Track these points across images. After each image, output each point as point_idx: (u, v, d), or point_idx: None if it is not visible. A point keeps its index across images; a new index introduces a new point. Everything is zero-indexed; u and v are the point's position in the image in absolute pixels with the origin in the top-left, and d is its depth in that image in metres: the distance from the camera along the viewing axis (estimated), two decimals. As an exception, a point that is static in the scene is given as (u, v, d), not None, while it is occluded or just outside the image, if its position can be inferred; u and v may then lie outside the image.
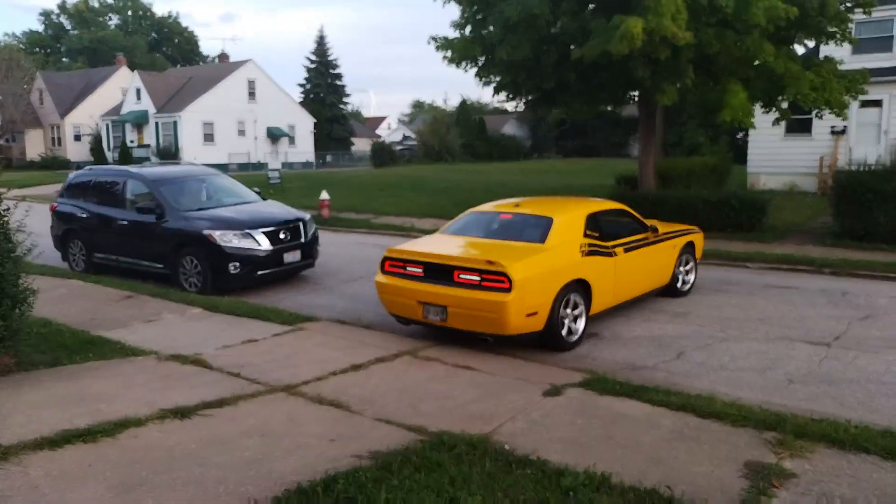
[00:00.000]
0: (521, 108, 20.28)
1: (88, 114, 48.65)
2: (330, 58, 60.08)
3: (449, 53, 15.11)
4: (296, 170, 43.79)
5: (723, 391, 5.41)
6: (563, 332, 6.59)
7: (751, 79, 13.67)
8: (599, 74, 14.24)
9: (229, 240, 9.11)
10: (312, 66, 59.57)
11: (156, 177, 10.38)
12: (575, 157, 49.99)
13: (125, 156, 39.47)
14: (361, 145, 62.05)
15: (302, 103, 54.94)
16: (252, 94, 47.16)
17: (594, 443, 4.26)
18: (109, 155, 44.11)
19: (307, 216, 10.42)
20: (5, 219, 5.46)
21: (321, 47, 59.87)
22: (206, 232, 9.16)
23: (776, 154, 21.50)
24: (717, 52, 12.72)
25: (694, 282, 9.13)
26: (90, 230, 10.63)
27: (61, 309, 7.65)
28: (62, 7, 75.97)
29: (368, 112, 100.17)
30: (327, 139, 56.47)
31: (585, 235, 7.02)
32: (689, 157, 23.51)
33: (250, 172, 36.98)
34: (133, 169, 11.03)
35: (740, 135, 32.65)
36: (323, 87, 59.04)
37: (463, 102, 60.16)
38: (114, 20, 78.71)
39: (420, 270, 6.67)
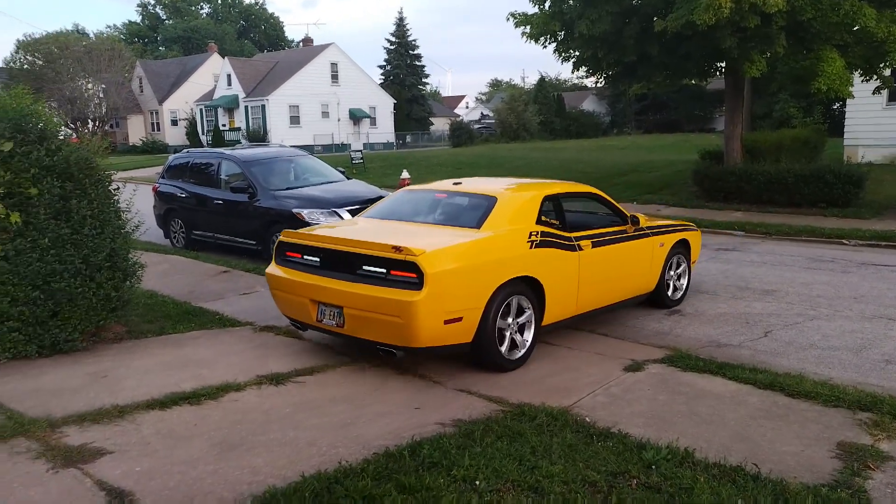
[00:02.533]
0: (601, 83, 19.83)
1: (184, 99, 51.09)
2: (409, 38, 60.42)
3: (528, 29, 14.95)
4: (377, 150, 44.55)
5: (813, 371, 5.22)
6: (503, 348, 5.11)
7: (848, 45, 12.81)
8: (683, 46, 13.73)
9: (316, 218, 9.44)
10: (392, 47, 60.12)
11: (247, 158, 10.87)
12: (656, 132, 48.33)
13: (218, 139, 41.36)
14: (440, 125, 62.28)
15: (382, 85, 55.63)
16: (335, 77, 48.13)
17: (676, 418, 4.23)
18: (203, 138, 46.28)
19: (389, 194, 10.66)
20: (115, 198, 5.90)
21: (400, 28, 60.28)
22: (294, 210, 9.54)
23: (877, 125, 20.10)
24: (812, 18, 11.99)
25: (687, 289, 7.43)
26: (189, 209, 11.28)
27: (165, 282, 8.20)
28: (157, -2, 79.77)
29: (446, 92, 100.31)
30: (407, 119, 57.02)
31: (540, 222, 5.54)
32: (779, 130, 22.28)
33: (333, 154, 37.95)
34: (226, 151, 11.59)
35: (836, 105, 30.65)
36: (402, 68, 59.53)
37: (541, 79, 59.25)
38: (205, 9, 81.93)
39: (317, 260, 5.25)
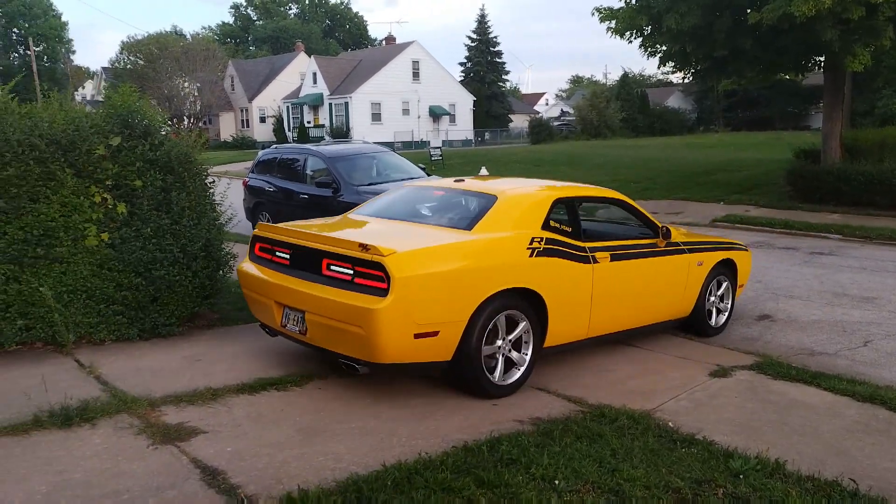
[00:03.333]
0: (688, 78, 19.18)
1: (271, 97, 53.01)
2: (490, 35, 60.37)
3: (613, 24, 14.66)
4: (455, 147, 44.77)
5: (921, 385, 4.88)
6: (496, 373, 4.49)
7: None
8: (779, 39, 13.09)
9: (397, 213, 9.61)
10: (473, 44, 60.22)
11: (332, 154, 11.17)
12: (745, 130, 46.23)
13: (303, 135, 42.73)
14: (519, 122, 61.93)
15: (462, 82, 55.84)
16: (416, 75, 48.70)
17: (766, 428, 4.06)
18: (289, 135, 47.87)
19: (468, 191, 10.74)
20: (210, 191, 6.20)
21: (482, 26, 60.29)
22: (375, 206, 9.73)
23: None
24: (927, 7, 11.18)
25: (730, 315, 6.45)
26: (276, 202, 11.69)
27: (253, 273, 8.52)
28: (249, 0, 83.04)
29: (526, 89, 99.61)
30: (486, 116, 57.01)
31: (547, 228, 4.84)
32: (883, 128, 20.84)
33: (413, 150, 38.40)
34: (312, 147, 11.95)
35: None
36: (483, 65, 59.55)
37: (624, 75, 57.82)
38: (293, 9, 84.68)
39: (287, 257, 4.77)
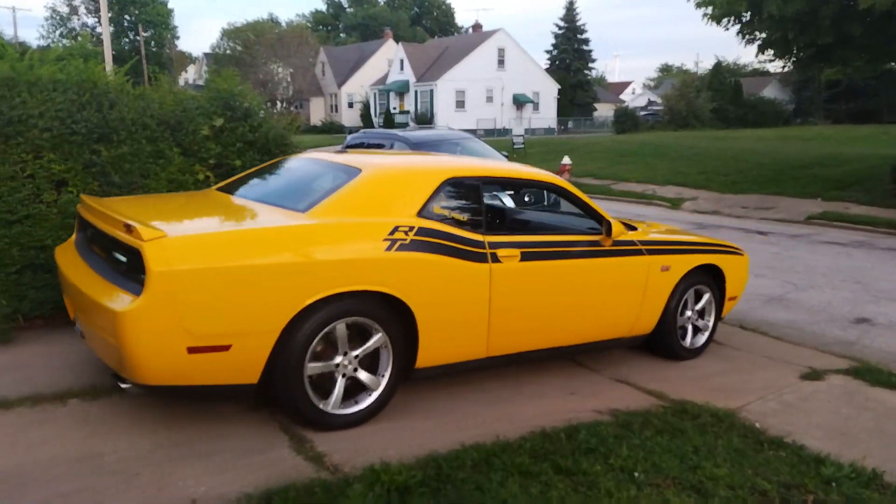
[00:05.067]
0: (788, 67, 18.20)
1: (360, 83, 54.10)
2: (578, 23, 59.21)
3: (709, 10, 14.11)
4: (538, 135, 44.32)
5: None
6: (333, 397, 3.56)
7: None
8: (892, 25, 12.20)
9: (478, 200, 9.67)
10: (560, 31, 59.27)
11: (417, 139, 11.31)
12: (847, 122, 43.36)
13: (388, 121, 43.46)
14: (604, 111, 60.55)
15: (547, 70, 55.16)
16: (501, 62, 48.46)
17: (862, 435, 3.87)
18: (375, 121, 48.75)
19: (551, 180, 10.67)
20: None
21: (570, 13, 59.19)
22: (458, 191, 9.82)
23: None
24: None
25: (713, 334, 5.28)
26: (360, 187, 11.98)
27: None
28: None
29: (613, 77, 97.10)
30: (570, 105, 56.08)
31: (426, 214, 3.81)
32: None
33: (495, 138, 38.27)
34: (398, 132, 12.15)
35: None
36: (569, 52, 58.54)
37: (717, 64, 55.36)
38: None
39: (90, 238, 3.95)
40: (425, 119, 45.53)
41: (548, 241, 4.31)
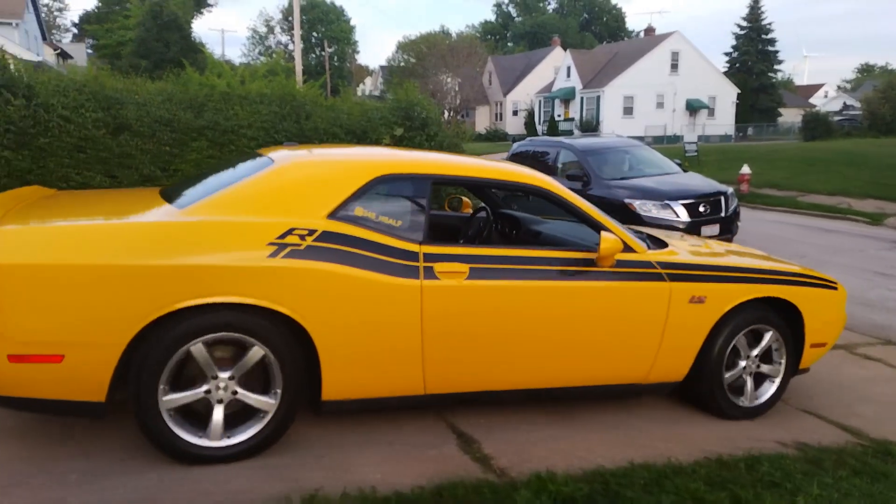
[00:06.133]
0: None
1: (525, 92, 54.41)
2: (763, 22, 55.02)
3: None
4: (713, 142, 41.75)
5: None
6: (212, 425, 3.09)
7: None
8: None
9: (648, 209, 9.33)
10: (742, 32, 55.42)
11: (584, 147, 11.17)
12: None
13: (552, 129, 43.32)
14: (789, 116, 55.61)
15: (726, 73, 51.82)
16: (674, 67, 46.35)
17: None
18: (539, 128, 48.77)
19: (729, 190, 10.06)
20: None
21: (754, 12, 55.16)
22: (626, 200, 9.54)
23: None
24: None
25: (782, 389, 4.17)
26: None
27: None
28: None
29: (801, 80, 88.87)
30: (750, 110, 52.19)
31: (340, 216, 3.22)
32: None
33: (665, 145, 36.68)
34: (565, 140, 12.07)
35: None
36: (751, 54, 54.53)
37: (936, 62, 48.62)
38: (552, 4, 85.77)
39: None
40: (590, 126, 44.71)
41: (511, 257, 3.43)
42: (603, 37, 79.89)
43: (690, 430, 3.88)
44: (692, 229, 9.33)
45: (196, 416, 3.11)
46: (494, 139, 50.01)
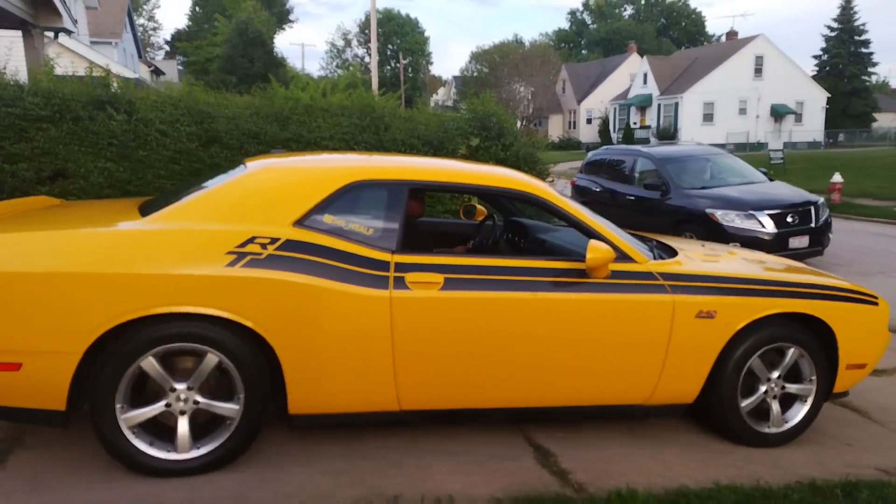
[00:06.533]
0: None
1: (599, 99, 53.63)
2: (855, 22, 52.21)
3: None
4: (800, 150, 39.87)
5: None
6: (178, 438, 3.05)
7: None
8: None
9: (731, 219, 9.01)
10: (832, 33, 52.79)
11: (663, 156, 10.91)
12: None
13: (628, 136, 42.45)
14: (885, 121, 52.54)
15: (814, 77, 49.43)
16: (758, 71, 44.60)
17: None
18: (614, 136, 47.91)
19: (819, 199, 9.56)
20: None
21: (846, 12, 52.45)
22: (707, 210, 9.24)
23: None
24: None
25: (812, 415, 3.78)
26: (601, 203, 11.83)
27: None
28: (585, 5, 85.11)
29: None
30: (841, 115, 49.56)
31: (308, 223, 3.14)
32: None
33: (747, 153, 35.30)
34: (643, 148, 11.84)
35: None
36: (843, 56, 51.83)
37: None
38: (628, 10, 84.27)
39: None
40: (668, 134, 43.55)
41: (491, 267, 3.25)
42: (681, 42, 77.79)
43: (779, 453, 3.70)
44: (779, 241, 8.94)
45: (167, 430, 3.08)
46: (567, 147, 49.47)
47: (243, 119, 5.54)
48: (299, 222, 3.12)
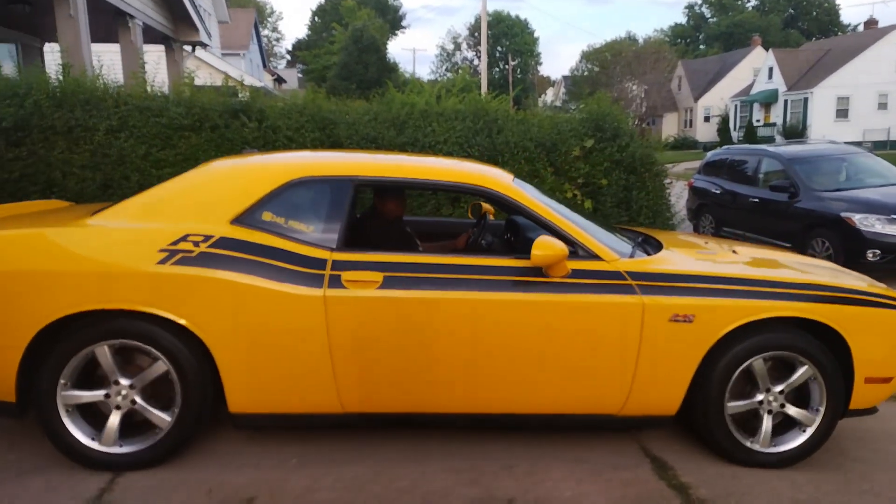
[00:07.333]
0: None
1: (719, 96, 51.04)
2: None
3: None
4: (952, 148, 36.11)
5: None
6: (106, 434, 3.09)
7: None
8: None
9: (871, 224, 8.32)
10: None
11: (792, 156, 10.26)
12: None
13: (750, 135, 40.08)
14: None
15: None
16: (902, 62, 40.86)
17: None
18: (734, 135, 45.45)
19: (975, 204, 8.61)
20: (667, 192, 6.34)
21: None
22: (843, 214, 8.59)
23: None
24: None
25: (821, 436, 3.36)
26: (721, 205, 11.31)
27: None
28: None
29: None
30: None
31: (246, 221, 3.12)
32: None
33: (888, 151, 32.41)
34: (769, 148, 11.17)
35: None
36: None
37: None
38: (751, 2, 79.75)
39: None
40: (795, 132, 40.69)
41: (435, 265, 3.10)
42: (811, 34, 72.57)
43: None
44: (926, 248, 8.17)
45: (102, 418, 3.15)
46: (683, 147, 47.47)
47: (362, 125, 5.75)
48: (238, 220, 3.13)
